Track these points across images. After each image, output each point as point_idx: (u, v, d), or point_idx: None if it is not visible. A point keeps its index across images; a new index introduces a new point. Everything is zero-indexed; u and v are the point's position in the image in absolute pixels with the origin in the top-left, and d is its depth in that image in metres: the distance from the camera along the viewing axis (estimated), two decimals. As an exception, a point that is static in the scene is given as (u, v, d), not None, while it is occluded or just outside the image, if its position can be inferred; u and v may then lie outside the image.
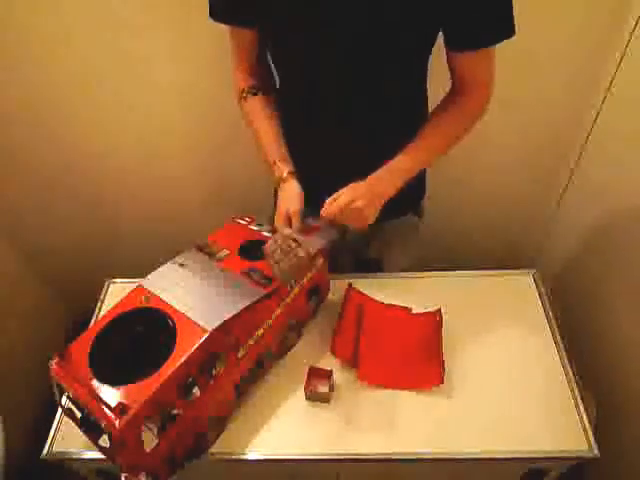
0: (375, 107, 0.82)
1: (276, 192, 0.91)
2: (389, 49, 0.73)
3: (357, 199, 0.76)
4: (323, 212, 0.78)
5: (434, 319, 0.94)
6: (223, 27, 0.81)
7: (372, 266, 1.13)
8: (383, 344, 0.92)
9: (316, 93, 0.81)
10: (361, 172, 0.80)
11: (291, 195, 0.83)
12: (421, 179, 1.01)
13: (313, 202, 0.82)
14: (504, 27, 0.71)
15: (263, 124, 0.87)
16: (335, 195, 0.78)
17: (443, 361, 0.87)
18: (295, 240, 0.80)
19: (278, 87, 0.91)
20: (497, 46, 0.74)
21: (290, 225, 0.83)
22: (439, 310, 0.95)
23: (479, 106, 0.82)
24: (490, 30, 0.71)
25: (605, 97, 1.08)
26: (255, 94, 0.87)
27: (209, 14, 0.79)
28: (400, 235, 1.07)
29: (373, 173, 0.79)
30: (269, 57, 0.87)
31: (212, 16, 0.80)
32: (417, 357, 0.89)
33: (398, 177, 0.80)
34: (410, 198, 1.02)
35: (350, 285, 1.01)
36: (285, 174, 0.84)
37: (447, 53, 0.77)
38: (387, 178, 0.79)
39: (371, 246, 1.09)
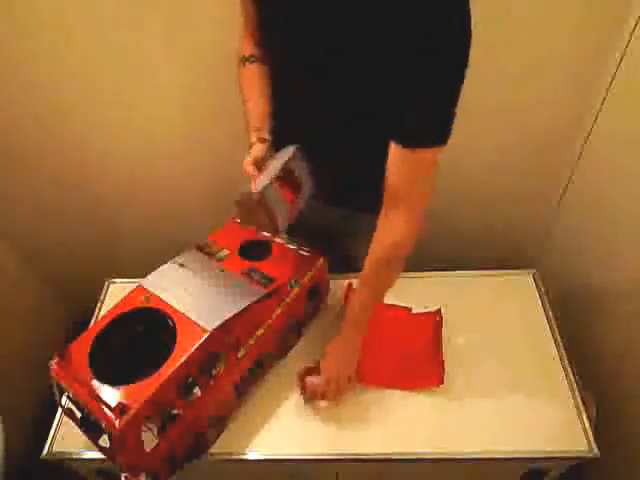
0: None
1: None
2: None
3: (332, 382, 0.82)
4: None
5: (434, 319, 0.94)
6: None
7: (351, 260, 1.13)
8: (383, 344, 0.92)
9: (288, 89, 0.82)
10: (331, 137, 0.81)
11: (253, 148, 0.78)
12: (377, 177, 1.00)
13: None
14: (432, 133, 0.66)
15: (253, 93, 0.85)
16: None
17: (443, 361, 0.87)
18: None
19: None
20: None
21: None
22: (439, 310, 0.95)
23: (399, 230, 0.74)
24: (416, 130, 0.66)
25: (605, 97, 1.08)
26: (253, 62, 0.86)
27: None
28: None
29: (324, 359, 0.84)
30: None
31: None
32: (417, 357, 0.89)
33: (356, 334, 0.84)
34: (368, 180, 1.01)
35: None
36: (253, 139, 0.79)
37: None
38: (351, 340, 0.84)
39: (346, 239, 1.08)
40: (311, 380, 0.84)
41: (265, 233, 0.77)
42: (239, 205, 0.75)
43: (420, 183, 0.71)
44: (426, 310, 0.96)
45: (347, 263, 1.11)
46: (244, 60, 0.86)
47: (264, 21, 0.78)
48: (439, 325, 0.93)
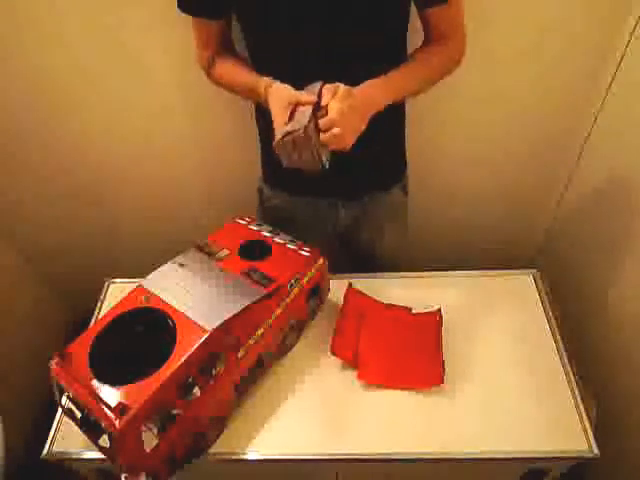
0: (358, 62, 0.80)
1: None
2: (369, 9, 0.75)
3: (348, 105, 0.72)
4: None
5: (434, 319, 0.94)
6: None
7: (366, 255, 1.13)
8: (383, 344, 0.92)
9: (299, 62, 0.81)
10: None
11: (281, 89, 0.76)
12: (401, 151, 1.02)
13: None
14: None
15: (236, 69, 0.87)
16: (332, 90, 0.73)
17: (443, 361, 0.87)
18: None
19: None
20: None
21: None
22: (439, 310, 0.95)
23: (459, 50, 0.85)
24: None
25: (605, 97, 1.08)
26: (222, 55, 0.89)
27: (178, 5, 0.82)
28: (391, 213, 1.08)
29: (363, 85, 0.76)
30: (246, 43, 0.87)
31: (181, 7, 0.82)
32: (417, 357, 0.89)
33: (386, 92, 0.79)
34: (391, 169, 1.03)
35: (350, 285, 1.01)
36: (268, 81, 0.79)
37: (418, 11, 0.80)
38: (375, 91, 0.77)
39: (364, 231, 1.10)
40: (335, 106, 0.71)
41: (310, 170, 0.74)
42: (281, 147, 0.73)
43: (461, 18, 0.82)
44: (426, 310, 0.96)
45: (363, 261, 1.13)
46: (212, 61, 0.89)
47: (269, 14, 0.77)
48: (439, 325, 0.93)
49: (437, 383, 0.85)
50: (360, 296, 1.00)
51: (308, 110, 0.72)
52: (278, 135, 0.72)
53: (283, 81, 0.79)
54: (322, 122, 0.71)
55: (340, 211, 1.05)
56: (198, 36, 0.87)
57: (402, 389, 0.86)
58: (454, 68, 0.86)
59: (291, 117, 0.73)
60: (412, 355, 0.90)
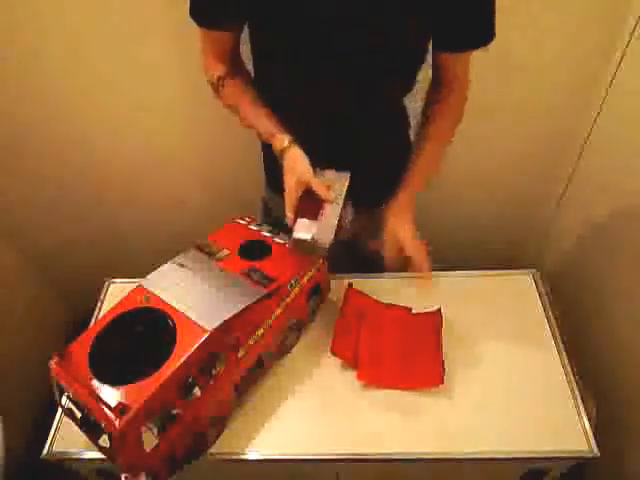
0: (369, 108, 0.85)
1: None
2: (388, 51, 0.75)
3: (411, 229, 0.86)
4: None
5: (434, 319, 0.94)
6: None
7: (370, 261, 1.13)
8: (383, 344, 0.92)
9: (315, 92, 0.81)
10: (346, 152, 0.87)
11: (297, 162, 0.79)
12: (404, 159, 1.02)
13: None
14: (491, 31, 0.75)
15: (250, 104, 0.85)
16: (398, 235, 0.86)
17: (443, 361, 0.87)
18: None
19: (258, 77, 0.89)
20: (492, 44, 0.77)
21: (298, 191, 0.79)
22: (439, 310, 0.95)
23: (462, 102, 0.86)
24: (480, 33, 0.76)
25: (605, 97, 1.08)
26: (233, 77, 0.85)
27: (193, 17, 0.77)
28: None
29: (395, 200, 0.88)
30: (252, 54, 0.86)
31: (196, 19, 0.77)
32: (417, 357, 0.89)
33: (416, 190, 0.89)
34: (397, 184, 1.03)
35: (350, 285, 1.01)
36: (286, 143, 0.80)
37: (433, 51, 0.80)
38: (411, 198, 0.89)
39: (366, 240, 1.09)
40: (408, 237, 0.85)
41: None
42: (292, 246, 0.82)
43: (467, 71, 0.83)
44: (426, 310, 0.96)
45: (364, 262, 1.13)
46: (222, 80, 0.84)
47: (290, 28, 0.74)
48: (439, 325, 0.93)
49: (437, 383, 0.85)
50: (360, 296, 1.00)
51: (330, 226, 0.78)
52: (291, 240, 0.79)
53: (290, 101, 0.83)
54: (413, 262, 0.84)
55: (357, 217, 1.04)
56: (209, 49, 0.83)
57: (402, 389, 0.86)
58: (456, 126, 0.88)
59: (302, 201, 0.78)
60: (412, 355, 0.90)
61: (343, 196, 0.80)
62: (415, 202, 0.88)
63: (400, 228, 0.86)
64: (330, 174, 0.81)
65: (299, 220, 0.79)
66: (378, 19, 0.70)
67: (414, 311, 0.97)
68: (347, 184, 0.81)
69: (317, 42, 0.73)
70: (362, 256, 1.15)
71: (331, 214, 0.79)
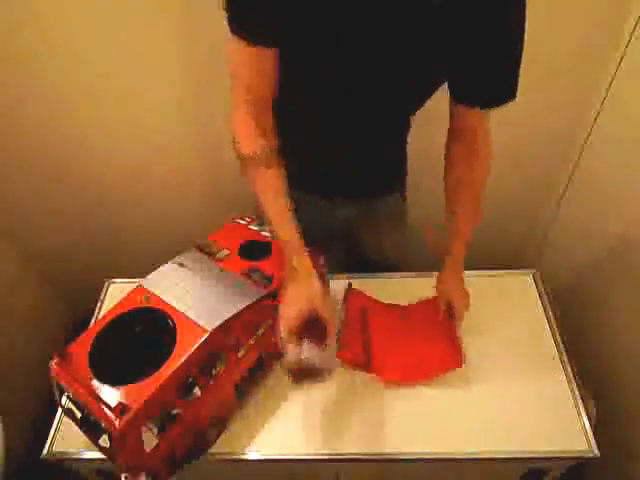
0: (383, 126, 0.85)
1: None
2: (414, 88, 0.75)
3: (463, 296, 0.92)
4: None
5: (434, 304, 0.95)
6: (225, 28, 0.80)
7: (363, 257, 1.13)
8: (394, 340, 0.92)
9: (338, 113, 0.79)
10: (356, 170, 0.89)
11: (312, 286, 0.72)
12: (403, 158, 1.02)
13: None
14: (513, 90, 0.72)
15: (277, 201, 0.75)
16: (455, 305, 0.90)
17: (460, 344, 0.89)
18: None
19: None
20: None
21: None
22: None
23: (489, 151, 0.82)
24: (502, 92, 0.72)
25: (605, 97, 1.08)
26: (270, 166, 0.74)
27: (237, 30, 0.64)
28: (387, 218, 1.08)
29: (444, 265, 0.92)
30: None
31: (241, 28, 0.64)
32: (432, 344, 0.90)
33: (461, 265, 0.93)
34: (392, 175, 1.03)
35: (350, 286, 1.00)
36: (305, 262, 0.74)
37: (452, 103, 0.77)
38: (459, 267, 0.93)
39: (360, 234, 1.09)
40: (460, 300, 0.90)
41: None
42: (291, 371, 0.76)
43: (486, 125, 0.79)
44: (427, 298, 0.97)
45: (362, 264, 1.13)
46: (257, 160, 0.73)
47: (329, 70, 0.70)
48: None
49: (456, 366, 0.86)
50: (361, 297, 0.99)
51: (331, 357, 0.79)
52: (287, 363, 0.73)
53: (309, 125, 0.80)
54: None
55: (337, 211, 1.04)
56: (245, 97, 0.70)
57: (424, 380, 0.87)
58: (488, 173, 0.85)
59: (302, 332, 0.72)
60: (426, 343, 0.90)
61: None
62: (463, 265, 0.93)
63: (456, 294, 0.91)
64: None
65: (304, 344, 0.72)
66: (416, 57, 0.68)
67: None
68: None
69: (353, 63, 0.68)
70: (357, 256, 1.15)
71: (334, 337, 0.76)
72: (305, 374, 0.75)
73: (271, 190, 0.75)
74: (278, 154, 0.74)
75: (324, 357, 0.74)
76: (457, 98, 0.76)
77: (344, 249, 1.17)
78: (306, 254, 0.75)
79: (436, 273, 1.05)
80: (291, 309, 0.71)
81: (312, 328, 0.72)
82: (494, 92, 0.72)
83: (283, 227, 0.75)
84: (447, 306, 0.92)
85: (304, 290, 0.72)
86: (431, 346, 0.90)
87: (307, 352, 0.71)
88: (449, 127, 0.83)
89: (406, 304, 0.98)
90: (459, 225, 0.88)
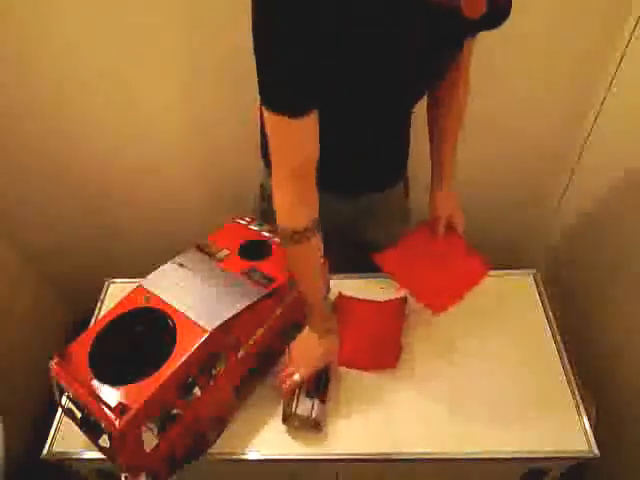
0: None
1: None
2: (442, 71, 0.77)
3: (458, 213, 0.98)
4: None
5: (397, 305, 0.97)
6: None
7: (364, 254, 1.13)
8: (353, 331, 0.95)
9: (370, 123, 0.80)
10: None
11: (333, 353, 0.85)
12: (404, 154, 1.02)
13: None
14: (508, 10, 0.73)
15: (318, 271, 0.77)
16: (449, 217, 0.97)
17: (401, 345, 0.91)
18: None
19: None
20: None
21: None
22: (404, 297, 0.98)
23: (467, 82, 0.88)
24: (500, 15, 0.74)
25: (605, 97, 1.08)
26: (314, 234, 0.71)
27: (279, 110, 0.59)
28: (388, 215, 1.07)
29: (440, 187, 0.96)
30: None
31: (291, 110, 0.59)
32: (378, 341, 0.93)
33: (451, 182, 0.97)
34: (392, 171, 1.03)
35: (340, 294, 1.01)
36: (334, 327, 0.85)
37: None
38: (452, 184, 0.96)
39: (361, 230, 1.09)
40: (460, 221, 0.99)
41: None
42: (291, 424, 0.82)
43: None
44: (391, 298, 0.99)
45: (363, 261, 1.13)
46: (309, 231, 0.69)
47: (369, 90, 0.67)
48: (402, 310, 0.96)
49: (391, 366, 0.89)
50: (348, 301, 1.00)
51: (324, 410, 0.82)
52: (291, 415, 0.80)
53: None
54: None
55: (338, 207, 1.04)
56: (301, 155, 0.64)
57: (362, 370, 0.89)
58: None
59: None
60: (374, 339, 0.94)
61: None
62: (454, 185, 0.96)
63: (456, 211, 0.98)
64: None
65: (302, 398, 0.81)
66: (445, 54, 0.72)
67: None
68: None
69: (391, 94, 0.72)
70: (358, 254, 1.15)
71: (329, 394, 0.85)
72: (305, 427, 0.81)
73: (312, 259, 0.75)
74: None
75: (324, 411, 0.82)
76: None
77: (344, 248, 1.17)
78: (334, 316, 0.85)
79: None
80: (306, 371, 0.81)
81: (313, 383, 0.82)
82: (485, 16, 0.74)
83: (316, 294, 0.79)
84: (447, 222, 0.97)
85: (322, 348, 0.82)
86: (376, 343, 0.94)
87: (317, 410, 0.79)
88: None
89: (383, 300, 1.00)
90: (447, 152, 0.93)
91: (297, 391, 0.80)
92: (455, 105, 0.89)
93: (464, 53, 0.80)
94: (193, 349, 0.70)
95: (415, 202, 1.11)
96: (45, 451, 0.84)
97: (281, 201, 0.67)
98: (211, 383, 0.74)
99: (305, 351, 0.83)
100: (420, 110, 0.92)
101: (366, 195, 1.02)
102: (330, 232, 1.03)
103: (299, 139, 0.63)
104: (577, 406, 0.83)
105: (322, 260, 0.76)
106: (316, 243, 0.72)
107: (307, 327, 0.83)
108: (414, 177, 1.07)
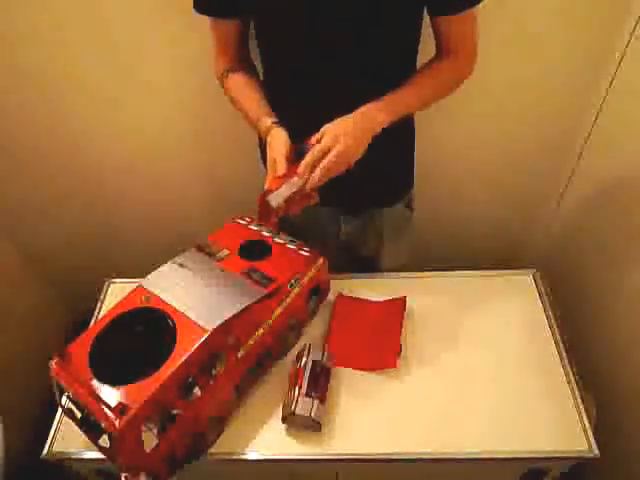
0: (369, 68, 0.81)
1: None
2: (386, 16, 0.73)
3: (341, 137, 0.72)
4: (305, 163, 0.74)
5: (397, 305, 0.96)
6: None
7: (368, 264, 1.13)
8: (349, 331, 0.95)
9: (313, 67, 0.80)
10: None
11: (277, 141, 0.78)
12: (408, 168, 1.02)
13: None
14: None
15: (245, 91, 0.87)
16: (318, 136, 0.75)
17: (400, 345, 0.90)
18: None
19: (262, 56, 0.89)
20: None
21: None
22: (404, 298, 0.97)
23: (468, 65, 0.84)
24: None
25: (605, 97, 1.08)
26: (236, 71, 0.88)
27: (194, 6, 0.82)
28: (393, 229, 1.08)
29: (364, 106, 0.76)
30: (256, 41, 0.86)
31: (197, 8, 0.82)
32: (377, 341, 0.92)
33: (385, 112, 0.77)
34: (394, 185, 1.02)
35: (340, 294, 1.01)
36: (269, 123, 0.81)
37: (431, 19, 0.79)
38: (373, 112, 0.76)
39: (365, 243, 1.10)
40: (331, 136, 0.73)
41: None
42: (290, 423, 0.82)
43: (473, 35, 0.81)
44: (392, 298, 0.99)
45: (362, 264, 1.13)
46: (226, 73, 0.88)
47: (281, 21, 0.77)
48: (402, 311, 0.95)
49: (391, 366, 0.87)
50: (347, 302, 1.00)
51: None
52: (289, 412, 0.79)
53: (290, 92, 0.84)
54: (318, 148, 0.73)
55: (341, 223, 1.04)
56: (216, 40, 0.86)
57: (362, 370, 0.89)
58: (460, 83, 0.86)
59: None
60: (373, 339, 0.93)
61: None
62: (377, 122, 0.76)
63: (338, 128, 0.74)
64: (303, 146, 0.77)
65: (302, 398, 0.80)
66: None
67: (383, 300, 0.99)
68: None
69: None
70: (359, 265, 1.15)
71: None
72: (305, 427, 0.81)
73: (240, 87, 0.87)
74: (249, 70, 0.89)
75: (324, 411, 0.81)
76: (434, 10, 0.77)
77: (346, 259, 1.17)
78: (270, 119, 0.81)
79: (436, 273, 1.06)
80: (268, 163, 0.79)
81: (312, 383, 0.81)
82: None
83: (249, 105, 0.85)
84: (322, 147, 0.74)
85: (271, 144, 0.80)
86: (375, 343, 0.93)
87: (316, 410, 0.79)
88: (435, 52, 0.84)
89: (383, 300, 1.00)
90: (416, 81, 0.81)
91: (297, 391, 0.80)
92: (450, 71, 0.84)
93: (451, 34, 0.79)
94: (193, 349, 0.70)
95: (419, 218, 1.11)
96: (45, 451, 0.84)
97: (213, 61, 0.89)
98: (211, 383, 0.74)
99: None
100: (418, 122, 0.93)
101: (367, 211, 1.02)
102: (332, 247, 1.03)
103: (214, 37, 0.86)
104: (577, 406, 0.83)
105: (248, 91, 0.87)
106: (237, 77, 0.87)
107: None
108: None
